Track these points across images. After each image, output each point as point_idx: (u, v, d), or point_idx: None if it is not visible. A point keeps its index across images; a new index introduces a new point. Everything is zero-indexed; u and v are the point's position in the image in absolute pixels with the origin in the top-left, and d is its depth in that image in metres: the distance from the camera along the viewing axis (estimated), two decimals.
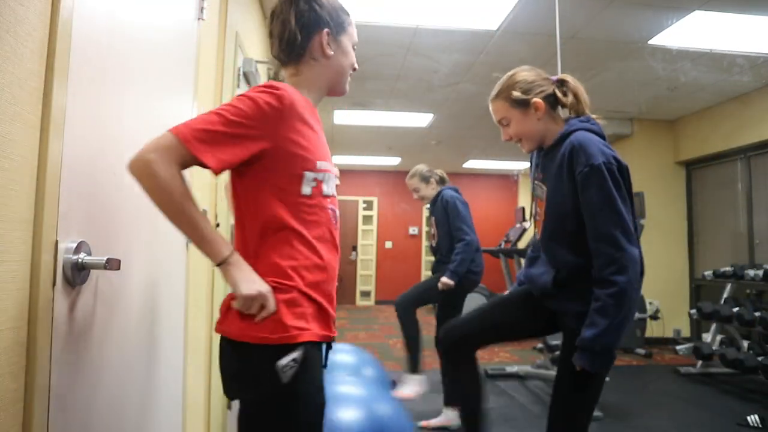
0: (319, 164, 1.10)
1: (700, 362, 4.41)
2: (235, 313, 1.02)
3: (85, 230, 1.00)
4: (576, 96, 1.60)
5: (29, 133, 0.83)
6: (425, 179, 3.34)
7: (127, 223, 1.21)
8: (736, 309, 4.05)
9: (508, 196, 10.09)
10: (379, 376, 2.68)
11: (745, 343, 4.31)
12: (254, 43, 3.08)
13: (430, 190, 3.36)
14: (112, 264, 0.96)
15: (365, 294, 9.67)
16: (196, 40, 1.77)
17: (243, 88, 2.72)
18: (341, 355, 2.71)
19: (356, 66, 1.28)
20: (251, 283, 0.99)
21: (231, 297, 1.04)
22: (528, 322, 1.74)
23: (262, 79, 3.30)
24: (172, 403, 1.61)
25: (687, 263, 5.98)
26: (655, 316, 5.64)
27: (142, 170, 0.93)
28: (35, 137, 0.85)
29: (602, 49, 3.99)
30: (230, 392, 1.09)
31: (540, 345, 5.60)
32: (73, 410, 0.97)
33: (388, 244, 9.75)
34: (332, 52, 1.20)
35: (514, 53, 4.08)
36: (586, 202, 1.44)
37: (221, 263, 1.00)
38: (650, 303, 5.66)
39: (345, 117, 6.08)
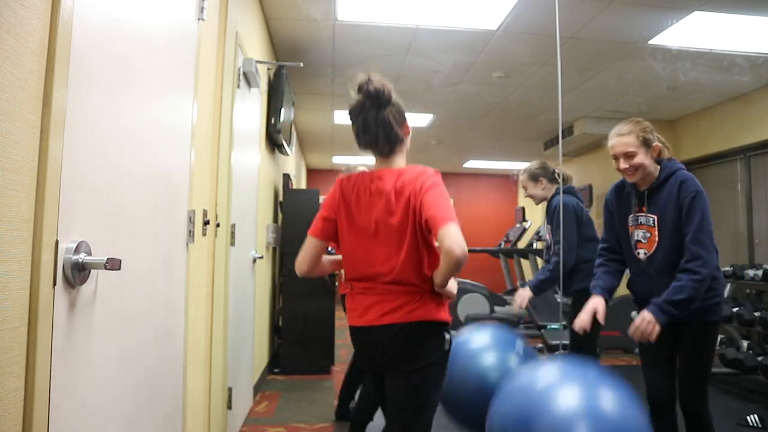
0: None
1: None
2: (434, 304, 1.53)
3: (85, 230, 1.00)
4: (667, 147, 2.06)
5: (29, 133, 0.84)
6: (533, 177, 2.92)
7: (127, 222, 1.21)
8: (735, 309, 4.05)
9: (508, 196, 10.09)
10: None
11: (745, 343, 4.31)
12: (254, 43, 3.08)
13: (539, 190, 2.91)
14: (112, 264, 0.96)
15: None
16: (196, 40, 1.77)
17: (243, 89, 2.72)
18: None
19: None
20: (455, 288, 1.59)
21: (438, 295, 1.54)
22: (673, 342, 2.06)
23: (263, 79, 3.30)
24: (173, 403, 1.61)
25: None
26: None
27: (464, 258, 1.37)
28: (35, 137, 0.85)
29: (602, 49, 3.99)
30: (415, 361, 1.50)
31: (540, 345, 5.60)
32: (73, 410, 0.97)
33: None
34: (409, 129, 1.68)
35: (514, 53, 4.07)
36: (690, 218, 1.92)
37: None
38: None
39: (345, 117, 6.06)
